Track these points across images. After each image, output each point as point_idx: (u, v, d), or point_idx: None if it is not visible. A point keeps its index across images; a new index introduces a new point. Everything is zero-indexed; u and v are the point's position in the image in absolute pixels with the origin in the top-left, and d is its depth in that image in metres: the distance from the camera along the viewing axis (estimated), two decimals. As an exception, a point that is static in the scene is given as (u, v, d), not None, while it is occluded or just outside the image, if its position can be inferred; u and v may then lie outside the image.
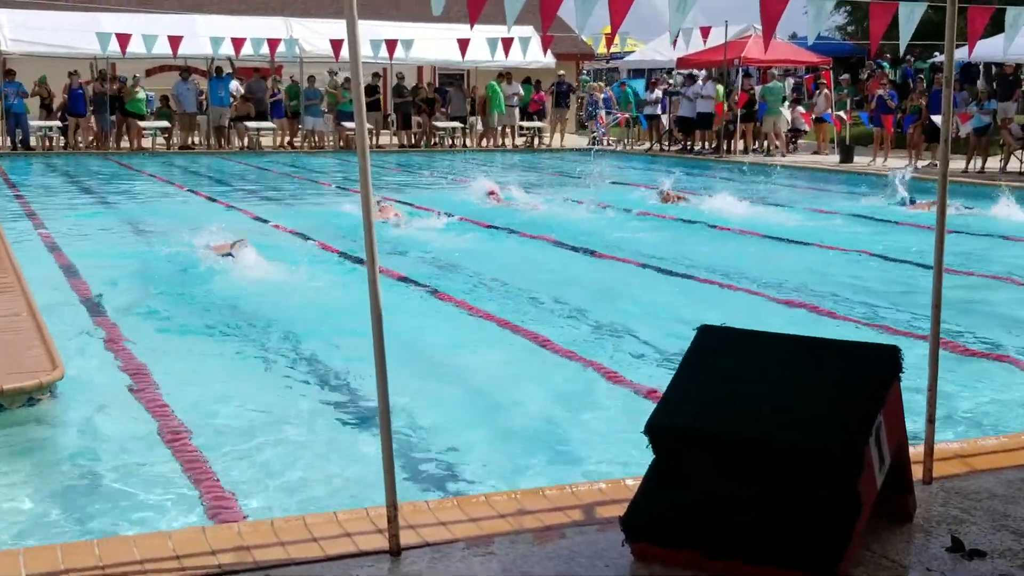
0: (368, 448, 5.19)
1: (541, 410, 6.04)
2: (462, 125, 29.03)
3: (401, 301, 8.64)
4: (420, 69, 31.65)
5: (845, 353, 3.82)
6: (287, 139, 27.72)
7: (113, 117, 25.74)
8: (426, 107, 28.76)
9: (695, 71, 28.25)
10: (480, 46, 24.93)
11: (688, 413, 3.67)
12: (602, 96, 30.79)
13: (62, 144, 25.61)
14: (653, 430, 3.65)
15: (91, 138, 25.95)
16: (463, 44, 24.99)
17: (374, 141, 27.54)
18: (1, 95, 24.68)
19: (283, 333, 7.64)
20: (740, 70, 26.45)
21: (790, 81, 31.05)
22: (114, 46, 24.00)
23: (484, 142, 29.39)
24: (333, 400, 6.17)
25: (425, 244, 11.83)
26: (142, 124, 26.06)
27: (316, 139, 27.90)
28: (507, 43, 23.79)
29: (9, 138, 25.15)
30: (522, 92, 29.39)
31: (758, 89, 26.47)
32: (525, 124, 30.01)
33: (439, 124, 28.72)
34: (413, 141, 29.00)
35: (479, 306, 8.59)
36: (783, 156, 24.91)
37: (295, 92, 27.36)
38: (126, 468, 5.03)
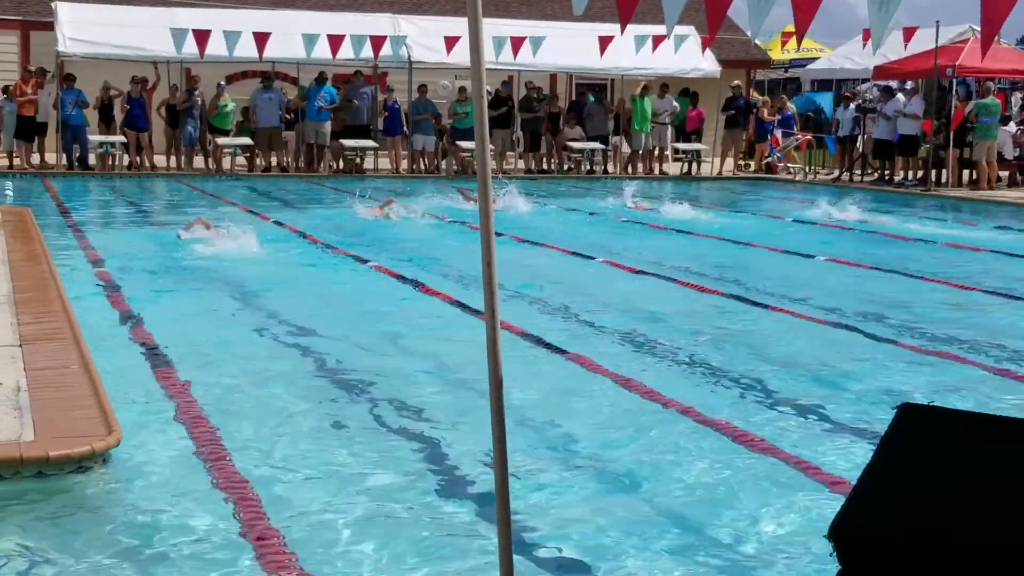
0: (482, 540, 5.20)
1: (679, 497, 5.97)
2: (603, 147, 29.04)
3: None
4: (553, 77, 31.86)
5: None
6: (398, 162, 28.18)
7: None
8: (550, 123, 28.97)
9: (892, 83, 27.92)
10: (624, 46, 24.81)
11: (886, 515, 3.58)
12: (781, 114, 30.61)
13: (125, 163, 26.37)
14: (840, 533, 3.57)
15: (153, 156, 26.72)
16: (603, 43, 25.05)
17: (499, 165, 27.79)
18: (58, 105, 25.51)
19: (385, 399, 7.74)
20: (954, 82, 26.02)
21: (1019, 96, 30.42)
22: (191, 47, 24.51)
23: (630, 168, 29.42)
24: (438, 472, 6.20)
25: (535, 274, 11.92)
26: (221, 141, 26.77)
27: (426, 161, 28.30)
28: (656, 43, 23.65)
29: (65, 155, 25.91)
30: (677, 106, 29.31)
31: (971, 106, 26.01)
32: (681, 146, 29.92)
33: (574, 145, 28.82)
34: (545, 166, 29.20)
35: (594, 359, 8.59)
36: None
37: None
38: (191, 550, 5.11)
